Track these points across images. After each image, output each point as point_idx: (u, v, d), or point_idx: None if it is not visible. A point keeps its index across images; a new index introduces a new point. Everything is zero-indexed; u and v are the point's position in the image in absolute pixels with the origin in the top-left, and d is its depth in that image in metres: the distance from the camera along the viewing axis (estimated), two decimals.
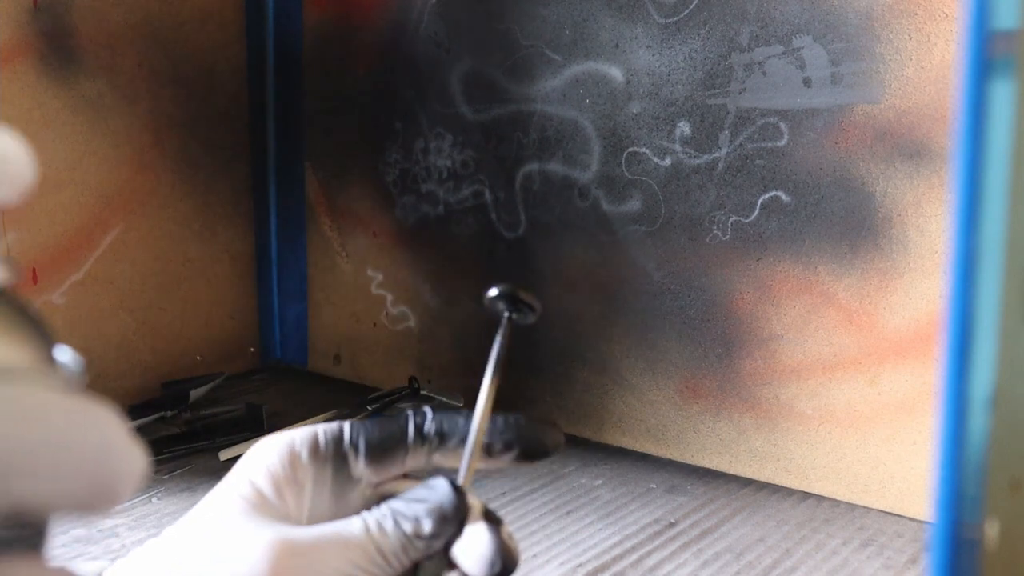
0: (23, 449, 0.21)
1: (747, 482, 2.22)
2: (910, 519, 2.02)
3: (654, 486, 2.20)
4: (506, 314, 0.45)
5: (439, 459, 0.43)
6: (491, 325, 0.44)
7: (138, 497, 2.09)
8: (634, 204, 2.33)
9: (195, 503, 0.40)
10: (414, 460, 0.42)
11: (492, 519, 0.41)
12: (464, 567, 0.40)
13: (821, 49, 2.02)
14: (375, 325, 2.92)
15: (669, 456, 2.36)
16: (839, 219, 2.05)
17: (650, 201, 2.31)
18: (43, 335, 0.24)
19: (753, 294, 2.19)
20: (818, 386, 2.12)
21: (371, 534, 0.38)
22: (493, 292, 0.44)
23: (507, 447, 0.43)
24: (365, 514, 0.39)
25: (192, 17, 2.82)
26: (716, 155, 2.19)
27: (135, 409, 2.50)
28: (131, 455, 0.23)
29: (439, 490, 0.40)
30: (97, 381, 2.57)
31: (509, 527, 0.41)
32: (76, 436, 0.22)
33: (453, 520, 0.40)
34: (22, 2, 2.44)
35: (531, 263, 2.55)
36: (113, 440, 0.23)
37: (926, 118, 1.93)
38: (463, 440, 0.42)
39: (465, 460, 0.42)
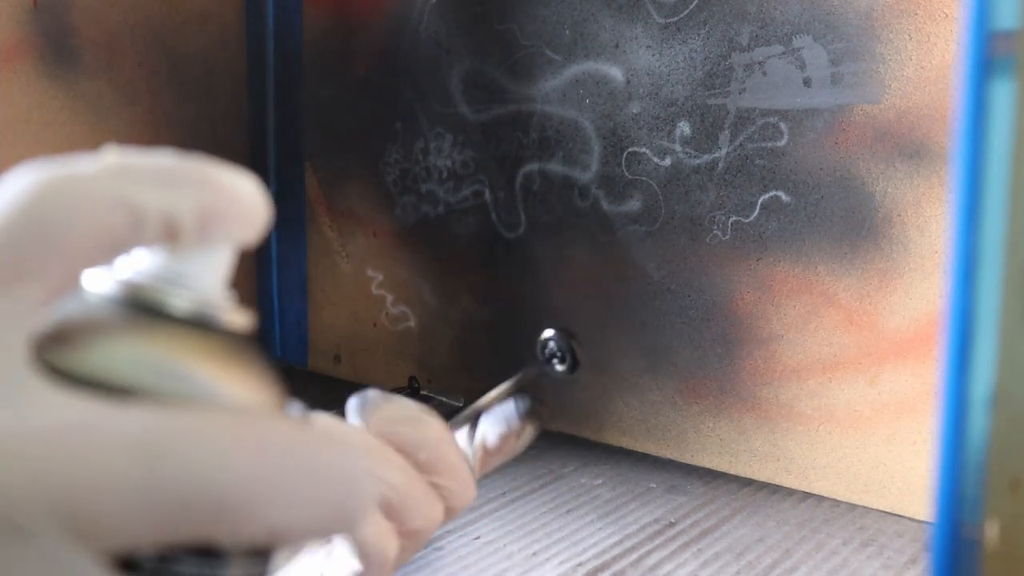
0: (281, 482, 0.22)
1: (747, 482, 2.22)
2: (910, 519, 2.02)
3: (654, 486, 2.20)
4: (549, 364, 0.46)
5: None
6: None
7: None
8: (634, 204, 2.33)
9: None
10: None
11: None
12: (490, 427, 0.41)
13: (821, 49, 2.02)
14: (375, 325, 2.92)
15: (669, 456, 2.36)
16: (839, 219, 2.05)
17: (650, 201, 2.31)
18: (276, 376, 0.26)
19: (753, 294, 2.19)
20: (818, 386, 2.12)
21: None
22: (548, 333, 0.45)
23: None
24: None
25: (192, 17, 2.82)
26: (716, 155, 2.19)
27: None
28: (369, 486, 0.24)
29: None
30: None
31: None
32: (325, 468, 0.23)
33: None
34: (22, 2, 2.44)
35: (531, 263, 2.55)
36: (355, 472, 0.24)
37: (926, 118, 1.93)
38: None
39: (463, 414, 0.43)
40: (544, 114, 2.46)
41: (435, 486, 0.39)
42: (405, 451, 0.39)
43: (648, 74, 2.27)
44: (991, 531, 0.45)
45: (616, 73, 2.32)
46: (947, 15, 1.88)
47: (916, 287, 1.98)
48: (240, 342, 0.26)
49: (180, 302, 0.25)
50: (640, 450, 2.41)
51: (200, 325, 0.25)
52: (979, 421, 0.45)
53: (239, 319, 0.26)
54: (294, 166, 3.03)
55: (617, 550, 1.89)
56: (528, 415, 0.43)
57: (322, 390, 2.90)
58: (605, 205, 2.38)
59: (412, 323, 2.83)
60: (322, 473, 0.23)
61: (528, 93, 2.48)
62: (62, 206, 0.23)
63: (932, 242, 1.96)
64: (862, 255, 2.04)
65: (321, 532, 0.23)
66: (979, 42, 0.44)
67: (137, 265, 0.25)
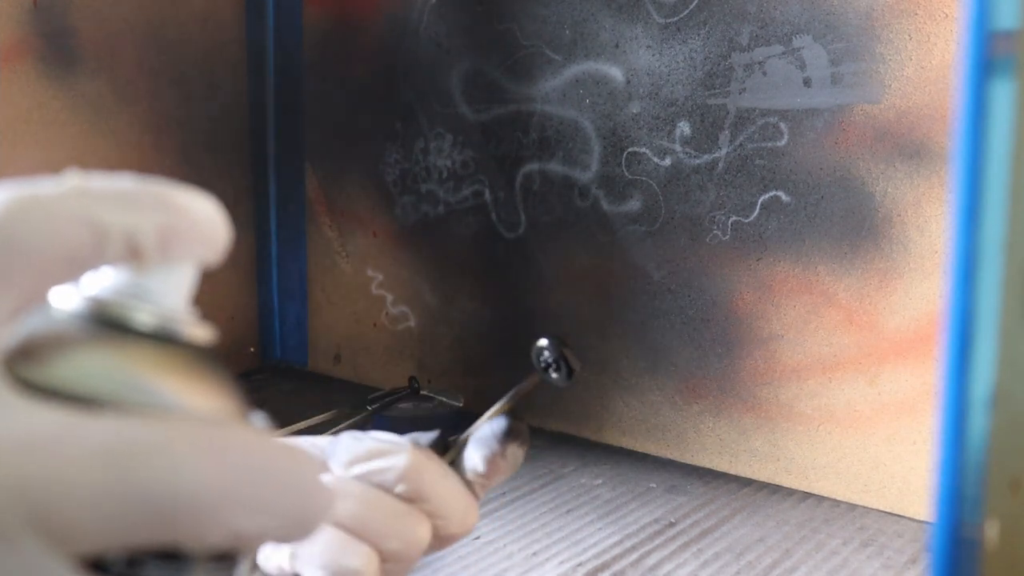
0: (241, 487, 0.23)
1: (747, 482, 2.22)
2: (910, 519, 2.02)
3: (654, 486, 2.20)
4: (546, 373, 0.46)
5: None
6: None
7: None
8: (634, 204, 2.33)
9: None
10: None
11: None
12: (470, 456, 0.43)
13: (821, 49, 2.02)
14: (375, 325, 2.92)
15: (669, 456, 2.36)
16: (839, 219, 2.05)
17: (650, 201, 2.31)
18: (236, 388, 0.27)
19: (753, 294, 2.19)
20: (818, 386, 2.12)
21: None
22: (542, 343, 0.46)
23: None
24: None
25: (192, 17, 2.82)
26: (716, 155, 2.19)
27: None
28: (325, 492, 0.25)
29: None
30: None
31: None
32: (282, 474, 0.24)
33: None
34: (22, 2, 2.44)
35: (531, 263, 2.55)
36: (311, 478, 0.25)
37: (926, 118, 1.93)
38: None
39: (464, 435, 0.44)
40: (544, 114, 2.46)
41: (428, 514, 0.40)
42: (384, 487, 0.40)
43: (648, 74, 2.27)
44: (991, 531, 0.45)
45: (616, 73, 2.32)
46: (947, 15, 1.88)
47: (916, 287, 1.98)
48: (202, 355, 0.27)
49: (144, 316, 0.26)
50: (640, 450, 2.40)
51: (163, 339, 0.26)
52: (979, 421, 0.45)
53: (201, 333, 0.27)
54: (294, 166, 3.03)
55: (617, 550, 1.89)
56: (507, 435, 0.44)
57: (322, 390, 2.89)
58: (605, 205, 2.38)
59: (412, 323, 2.83)
60: (280, 480, 0.24)
61: (528, 93, 2.48)
62: (27, 224, 0.23)
63: (932, 242, 1.96)
64: (862, 255, 2.04)
65: (281, 537, 0.24)
66: (979, 42, 0.44)
67: (102, 282, 0.26)
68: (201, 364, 0.26)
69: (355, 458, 0.40)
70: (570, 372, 0.47)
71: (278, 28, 2.98)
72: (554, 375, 0.47)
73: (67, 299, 0.25)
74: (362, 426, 2.51)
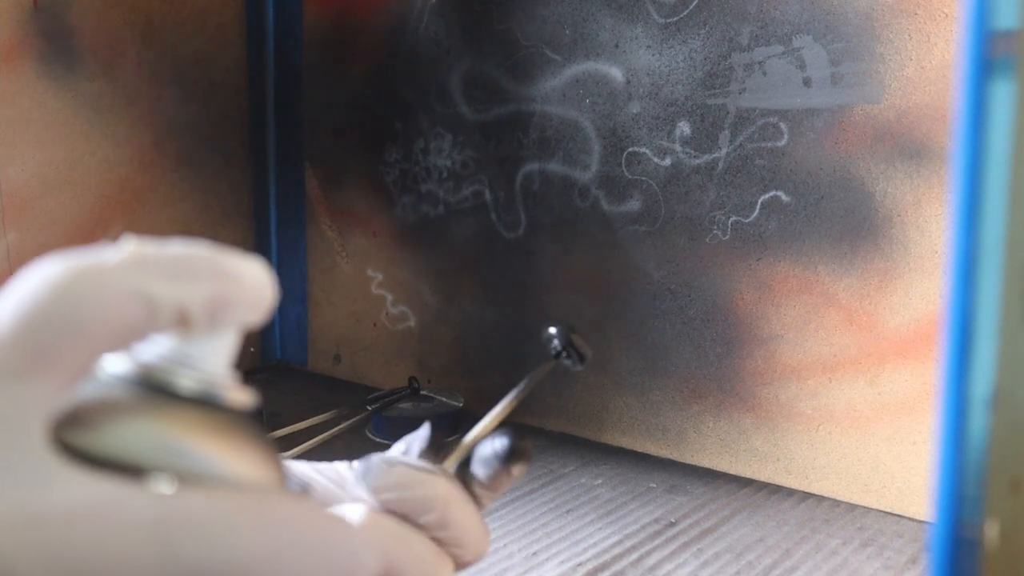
0: (285, 557, 0.24)
1: (747, 482, 2.22)
2: (910, 519, 2.02)
3: (654, 486, 2.20)
4: (557, 357, 0.46)
5: None
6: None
7: None
8: (634, 204, 2.33)
9: None
10: None
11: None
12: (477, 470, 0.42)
13: (821, 49, 2.02)
14: (375, 325, 2.92)
15: (669, 456, 2.36)
16: (839, 219, 2.05)
17: (650, 201, 2.31)
18: (276, 452, 0.28)
19: (753, 294, 2.19)
20: (818, 386, 2.12)
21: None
22: (552, 330, 0.47)
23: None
24: None
25: (192, 17, 2.82)
26: (716, 155, 2.19)
27: None
28: (368, 562, 0.25)
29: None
30: None
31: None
32: (325, 544, 0.25)
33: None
34: (22, 2, 2.44)
35: (531, 263, 2.55)
36: (354, 543, 0.25)
37: (926, 118, 1.93)
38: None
39: (467, 439, 0.44)
40: (544, 114, 2.46)
41: (444, 541, 0.40)
42: (411, 514, 0.39)
43: (648, 74, 2.27)
44: (991, 531, 0.45)
45: (616, 73, 2.32)
46: (947, 15, 1.88)
47: (916, 287, 1.98)
48: (243, 419, 0.28)
49: (187, 382, 0.27)
50: (640, 450, 2.40)
51: (206, 404, 0.27)
52: (979, 421, 0.45)
53: (242, 397, 0.28)
54: (294, 166, 3.03)
55: (617, 550, 1.88)
56: (510, 456, 0.43)
57: (322, 390, 2.89)
58: (605, 205, 2.38)
59: (412, 323, 2.83)
60: (323, 547, 0.24)
61: (528, 93, 2.48)
62: (82, 298, 0.24)
63: (932, 242, 1.96)
64: (862, 255, 2.04)
65: None
66: (979, 42, 0.44)
67: (149, 347, 0.27)
68: (242, 429, 0.27)
69: (386, 485, 0.40)
70: (581, 357, 0.47)
71: (278, 28, 2.98)
72: (566, 361, 0.48)
73: (115, 363, 0.26)
74: (362, 426, 2.51)
